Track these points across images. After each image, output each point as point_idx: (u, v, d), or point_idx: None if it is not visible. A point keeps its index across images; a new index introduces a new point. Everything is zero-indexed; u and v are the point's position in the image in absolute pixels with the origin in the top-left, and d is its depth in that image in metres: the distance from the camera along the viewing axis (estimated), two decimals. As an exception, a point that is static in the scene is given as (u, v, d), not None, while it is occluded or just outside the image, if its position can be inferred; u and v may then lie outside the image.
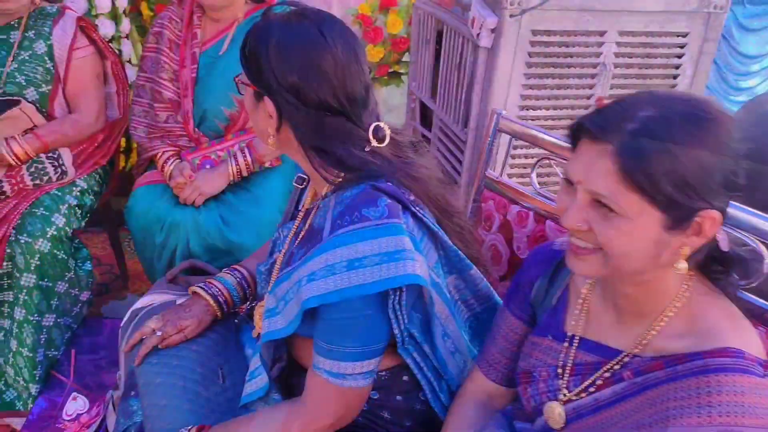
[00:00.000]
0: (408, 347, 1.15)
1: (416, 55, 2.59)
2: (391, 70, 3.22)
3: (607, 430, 0.95)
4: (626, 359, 0.97)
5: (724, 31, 2.04)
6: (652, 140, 0.81)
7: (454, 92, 2.19)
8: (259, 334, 1.35)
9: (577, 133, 0.90)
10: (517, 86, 1.97)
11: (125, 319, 1.89)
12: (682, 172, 0.81)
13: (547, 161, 2.08)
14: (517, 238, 1.71)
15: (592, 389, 1.00)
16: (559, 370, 1.05)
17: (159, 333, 1.41)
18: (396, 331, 1.11)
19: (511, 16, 1.86)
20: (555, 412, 1.03)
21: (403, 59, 3.22)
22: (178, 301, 1.89)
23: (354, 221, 1.06)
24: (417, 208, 1.13)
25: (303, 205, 1.35)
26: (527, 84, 1.98)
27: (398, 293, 1.08)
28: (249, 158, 2.13)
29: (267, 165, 2.18)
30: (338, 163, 1.12)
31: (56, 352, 2.09)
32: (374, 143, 1.13)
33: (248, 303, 1.58)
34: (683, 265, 0.89)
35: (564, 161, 1.54)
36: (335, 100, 1.10)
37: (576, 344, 1.05)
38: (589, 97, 2.04)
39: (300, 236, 1.24)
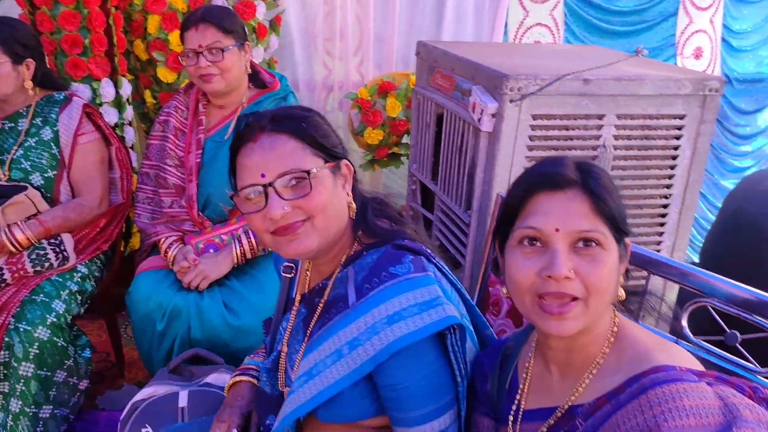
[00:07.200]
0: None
1: (416, 138, 2.63)
2: (390, 152, 3.26)
3: None
4: (563, 412, 1.00)
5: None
6: (602, 177, 0.98)
7: (455, 175, 2.21)
8: None
9: (531, 191, 1.00)
10: (519, 168, 1.99)
11: (125, 411, 1.83)
12: (621, 202, 0.99)
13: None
14: (527, 323, 1.68)
15: None
16: None
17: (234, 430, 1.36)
18: (458, 376, 1.12)
19: (511, 101, 1.90)
20: None
21: (402, 141, 3.27)
22: (181, 393, 1.84)
23: (383, 280, 1.10)
24: (437, 260, 1.18)
25: (297, 292, 1.34)
26: (529, 167, 2.00)
27: (455, 333, 1.10)
28: (253, 241, 2.12)
29: (271, 248, 2.17)
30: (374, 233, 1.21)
31: (51, 446, 2.00)
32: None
33: None
34: (622, 292, 1.01)
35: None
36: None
37: (520, 418, 1.08)
38: (590, 178, 2.06)
39: (316, 317, 1.22)
